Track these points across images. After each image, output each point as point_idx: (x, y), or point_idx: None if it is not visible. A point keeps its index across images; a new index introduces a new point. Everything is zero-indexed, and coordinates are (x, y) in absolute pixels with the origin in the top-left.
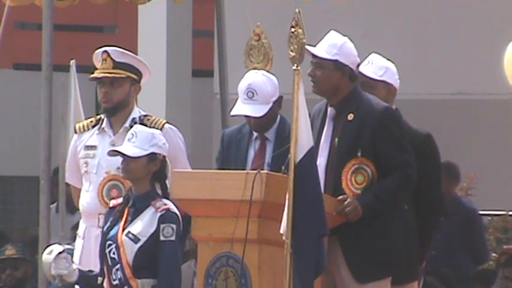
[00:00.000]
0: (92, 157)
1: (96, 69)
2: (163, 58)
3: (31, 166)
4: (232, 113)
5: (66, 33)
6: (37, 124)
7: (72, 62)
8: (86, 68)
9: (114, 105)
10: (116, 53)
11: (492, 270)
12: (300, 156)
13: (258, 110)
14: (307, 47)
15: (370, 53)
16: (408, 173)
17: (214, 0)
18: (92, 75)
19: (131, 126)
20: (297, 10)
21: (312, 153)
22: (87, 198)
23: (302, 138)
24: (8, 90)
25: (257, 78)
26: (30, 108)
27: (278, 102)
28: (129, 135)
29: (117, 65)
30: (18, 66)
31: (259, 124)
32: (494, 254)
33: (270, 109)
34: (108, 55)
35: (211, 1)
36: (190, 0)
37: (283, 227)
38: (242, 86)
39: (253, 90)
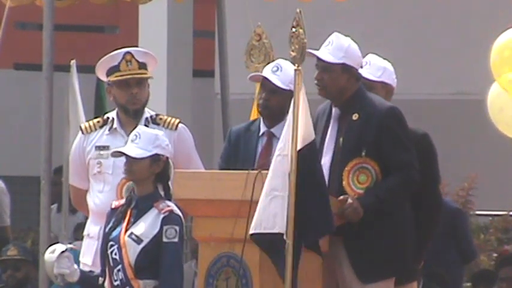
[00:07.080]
0: (105, 158)
1: (117, 71)
2: (164, 58)
3: (31, 166)
4: (250, 75)
5: (66, 33)
6: (37, 124)
7: (73, 62)
8: (87, 68)
9: (142, 106)
10: (139, 53)
11: (492, 271)
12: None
13: (278, 82)
14: (313, 51)
15: (369, 53)
16: (410, 174)
17: (215, 0)
18: (120, 78)
19: (146, 126)
20: (298, 10)
21: (313, 146)
22: (101, 199)
23: (303, 133)
24: (8, 90)
25: (285, 62)
26: (30, 108)
27: (291, 95)
28: (132, 136)
29: (141, 65)
30: (19, 66)
31: (269, 106)
32: (495, 254)
33: (287, 92)
34: (133, 56)
35: (212, 1)
36: (191, 0)
37: (259, 225)
38: (271, 64)
39: (279, 66)
